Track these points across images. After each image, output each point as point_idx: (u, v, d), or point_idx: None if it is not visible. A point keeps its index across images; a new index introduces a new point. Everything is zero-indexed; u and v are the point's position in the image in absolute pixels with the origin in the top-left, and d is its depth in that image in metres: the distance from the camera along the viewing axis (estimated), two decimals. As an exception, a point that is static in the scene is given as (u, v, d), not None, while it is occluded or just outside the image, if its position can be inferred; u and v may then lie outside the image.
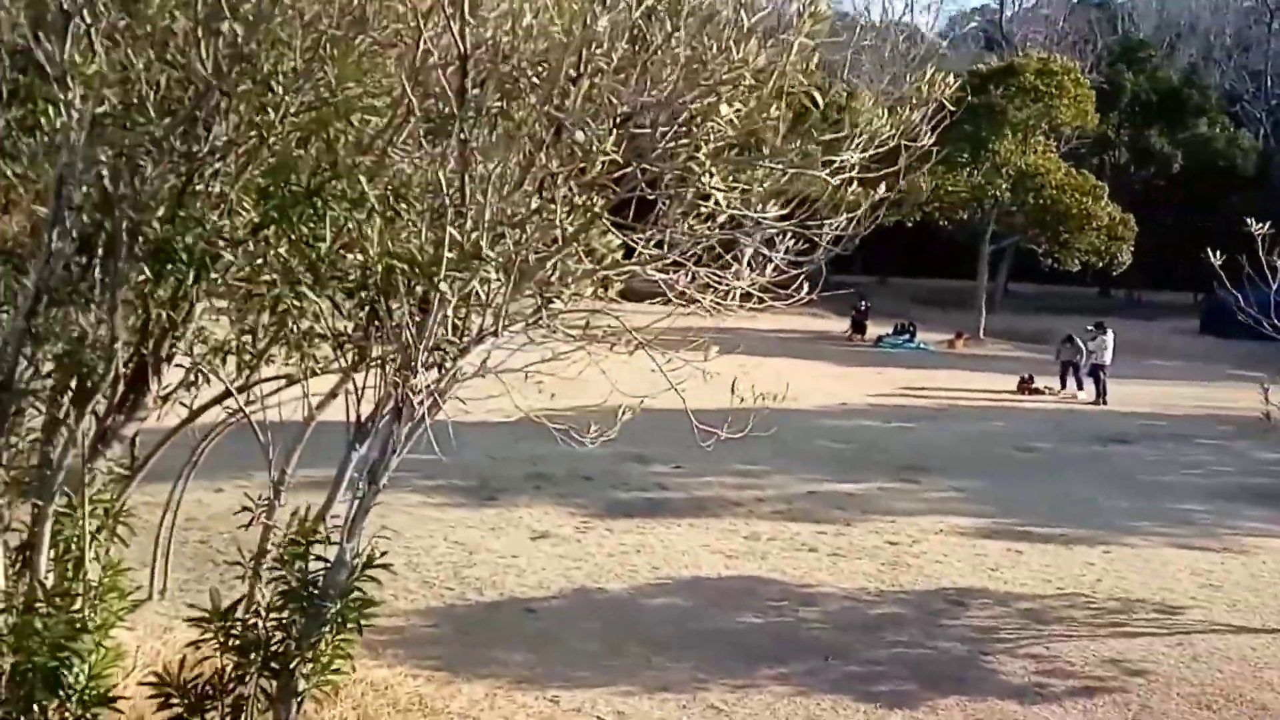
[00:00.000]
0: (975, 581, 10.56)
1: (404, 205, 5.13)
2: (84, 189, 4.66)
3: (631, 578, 10.09)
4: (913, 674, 8.26)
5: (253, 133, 5.18)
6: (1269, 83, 55.53)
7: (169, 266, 5.15)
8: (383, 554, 5.23)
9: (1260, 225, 6.36)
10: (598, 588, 9.80)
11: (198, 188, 5.18)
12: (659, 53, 4.70)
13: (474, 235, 4.78)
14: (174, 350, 5.78)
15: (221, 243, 5.20)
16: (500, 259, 4.78)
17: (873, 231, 5.72)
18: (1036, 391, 24.50)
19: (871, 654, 8.61)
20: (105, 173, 4.73)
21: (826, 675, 8.15)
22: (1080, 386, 24.50)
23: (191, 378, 5.95)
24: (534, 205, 5.05)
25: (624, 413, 5.48)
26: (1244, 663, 8.75)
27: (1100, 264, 37.24)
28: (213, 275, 5.25)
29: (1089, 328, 25.08)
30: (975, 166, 33.83)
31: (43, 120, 4.59)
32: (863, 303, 32.75)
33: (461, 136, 4.71)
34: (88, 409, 5.26)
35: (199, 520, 10.03)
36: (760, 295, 5.55)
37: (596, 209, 5.09)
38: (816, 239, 5.33)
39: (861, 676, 8.18)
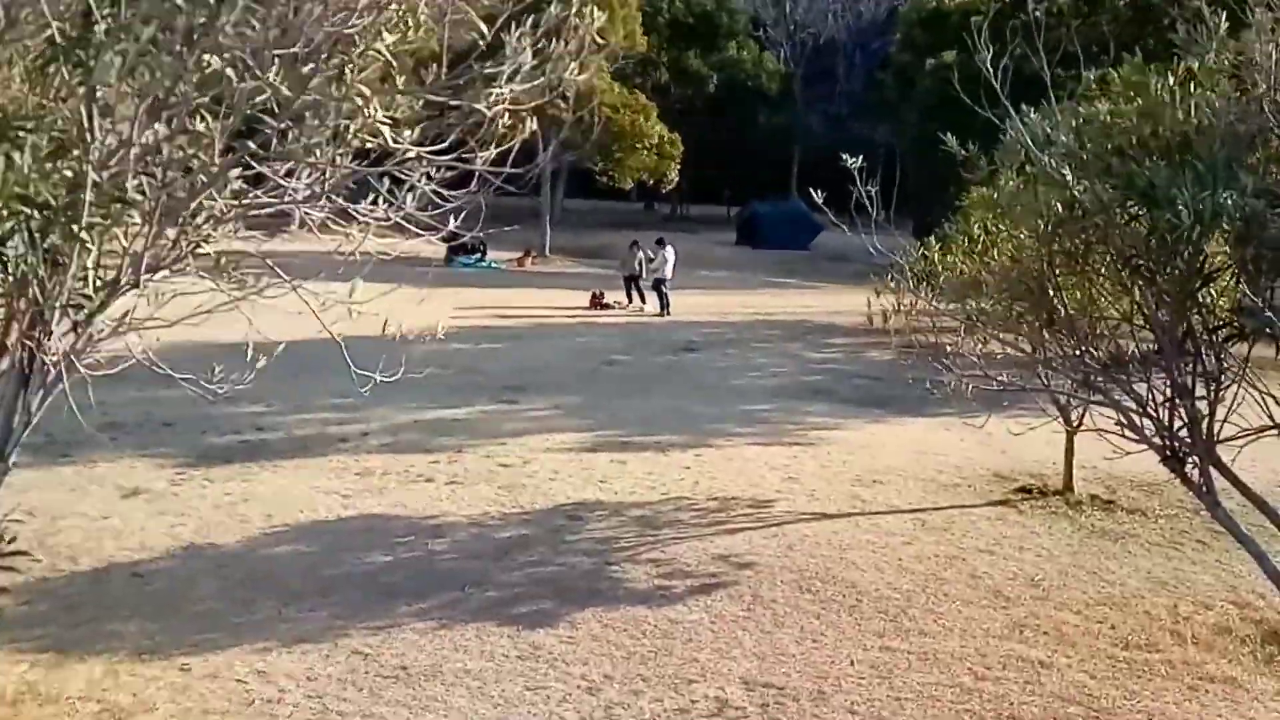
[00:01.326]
0: (588, 495, 10.99)
1: (12, 140, 4.41)
2: None
3: (244, 529, 9.54)
4: (547, 592, 8.49)
5: None
6: (788, 8, 60.72)
7: None
8: (12, 540, 4.59)
9: (855, 159, 7.01)
10: (209, 543, 9.17)
11: None
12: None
13: (109, 175, 4.22)
14: None
15: None
16: (144, 200, 4.26)
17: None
18: (607, 307, 25.66)
19: (506, 578, 8.74)
20: None
21: (466, 605, 8.18)
22: (644, 300, 25.94)
23: None
24: (166, 138, 4.56)
25: (255, 354, 5.15)
26: (831, 546, 9.78)
27: (651, 181, 39.38)
28: None
29: (654, 244, 26.52)
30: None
31: None
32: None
33: (87, 63, 4.11)
34: None
35: None
36: (406, 225, 5.38)
37: (236, 143, 4.68)
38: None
39: (500, 601, 8.29)
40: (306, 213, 4.85)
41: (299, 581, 8.42)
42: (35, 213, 4.22)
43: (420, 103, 4.92)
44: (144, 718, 6.32)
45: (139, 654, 7.10)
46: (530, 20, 5.15)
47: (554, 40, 5.23)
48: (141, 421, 12.49)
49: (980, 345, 9.59)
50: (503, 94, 5.04)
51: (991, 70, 6.37)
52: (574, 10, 5.29)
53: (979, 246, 9.20)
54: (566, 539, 9.69)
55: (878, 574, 9.18)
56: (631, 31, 37.71)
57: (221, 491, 10.46)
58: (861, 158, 7.67)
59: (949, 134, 7.44)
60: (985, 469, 12.69)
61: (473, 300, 25.07)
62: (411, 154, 5.01)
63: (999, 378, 8.99)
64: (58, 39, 4.09)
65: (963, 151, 7.38)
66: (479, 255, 33.01)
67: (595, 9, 5.44)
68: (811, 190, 8.19)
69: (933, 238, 11.23)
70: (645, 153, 37.26)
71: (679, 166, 38.66)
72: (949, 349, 10.20)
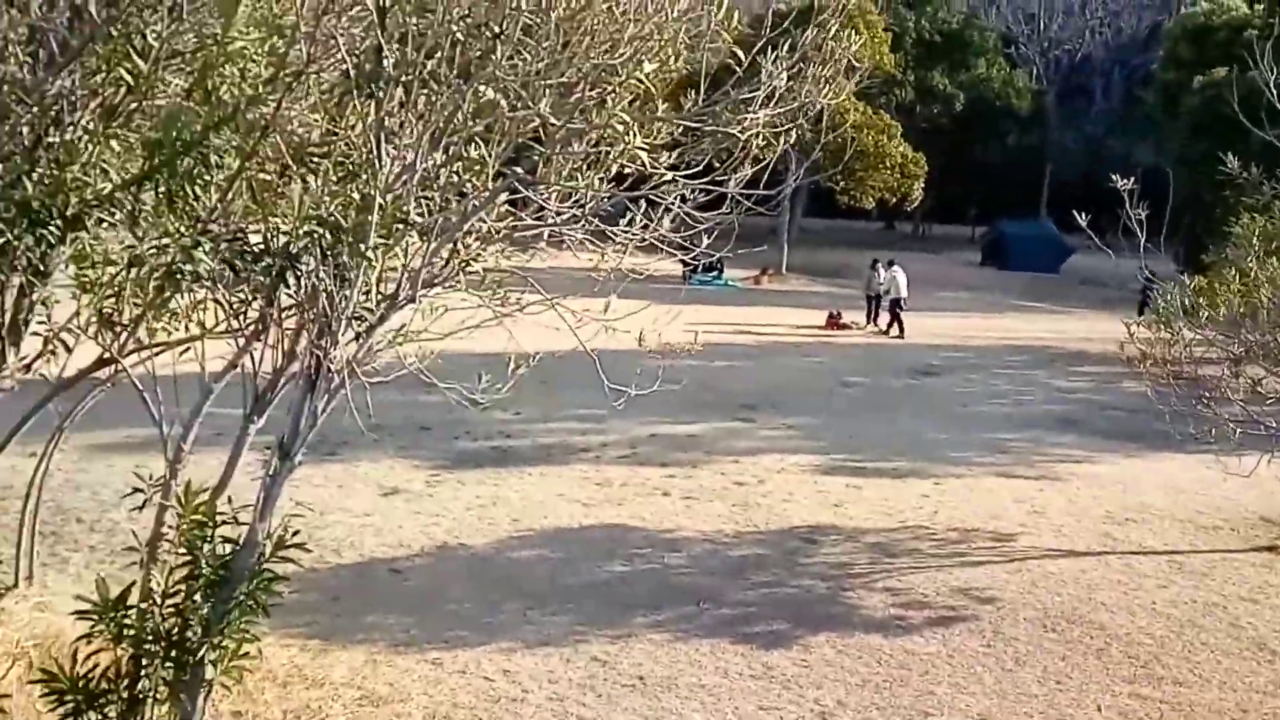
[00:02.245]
0: (823, 518, 10.92)
1: (306, 165, 4.82)
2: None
3: (493, 531, 9.98)
4: (781, 613, 8.50)
5: (118, 80, 4.79)
6: (1042, 25, 58.60)
7: (34, 228, 4.72)
8: (295, 533, 4.99)
9: (1125, 181, 6.72)
10: (460, 544, 9.65)
11: (55, 140, 4.75)
12: (583, 8, 4.56)
13: (392, 198, 4.54)
14: (30, 317, 5.33)
15: (91, 201, 4.79)
16: (423, 222, 4.57)
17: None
18: (844, 327, 25.41)
19: (740, 596, 8.81)
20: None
21: (700, 620, 8.29)
22: (879, 320, 25.55)
23: (52, 348, 5.49)
24: (442, 162, 4.87)
25: (516, 365, 5.41)
26: (1078, 585, 9.38)
27: (894, 200, 38.75)
28: (83, 236, 4.86)
29: (883, 265, 26.07)
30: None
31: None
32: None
33: (377, 95, 4.45)
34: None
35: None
36: (661, 246, 5.55)
37: (506, 169, 4.95)
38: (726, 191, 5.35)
39: (734, 619, 8.36)
40: (566, 233, 5.08)
41: (543, 586, 8.74)
42: (326, 232, 4.59)
43: (677, 128, 5.07)
44: (399, 706, 6.70)
45: (395, 646, 7.54)
46: (786, 44, 5.24)
47: (807, 64, 5.30)
48: (402, 425, 13.20)
49: (1249, 382, 9.00)
50: (756, 118, 5.14)
51: (1275, 90, 6.01)
52: (829, 34, 5.34)
53: (1252, 277, 8.65)
54: (801, 561, 9.67)
55: (1128, 617, 8.74)
56: (879, 51, 37.23)
57: (473, 494, 10.97)
58: (1125, 179, 7.38)
59: (1226, 154, 7.05)
60: (1250, 512, 11.87)
61: (709, 317, 25.27)
62: (667, 177, 5.17)
63: (1270, 421, 8.42)
64: (352, 74, 4.44)
65: (1244, 174, 6.98)
66: (716, 273, 33.28)
67: (850, 32, 5.48)
68: (1064, 211, 7.92)
69: (1199, 264, 10.62)
70: (888, 172, 36.72)
71: (923, 186, 37.90)
72: (1212, 383, 9.62)
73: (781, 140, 5.41)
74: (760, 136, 5.24)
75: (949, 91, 49.35)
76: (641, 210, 5.41)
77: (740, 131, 5.13)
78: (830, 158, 36.37)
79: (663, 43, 4.81)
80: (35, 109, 4.49)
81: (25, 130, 4.54)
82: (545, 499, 10.96)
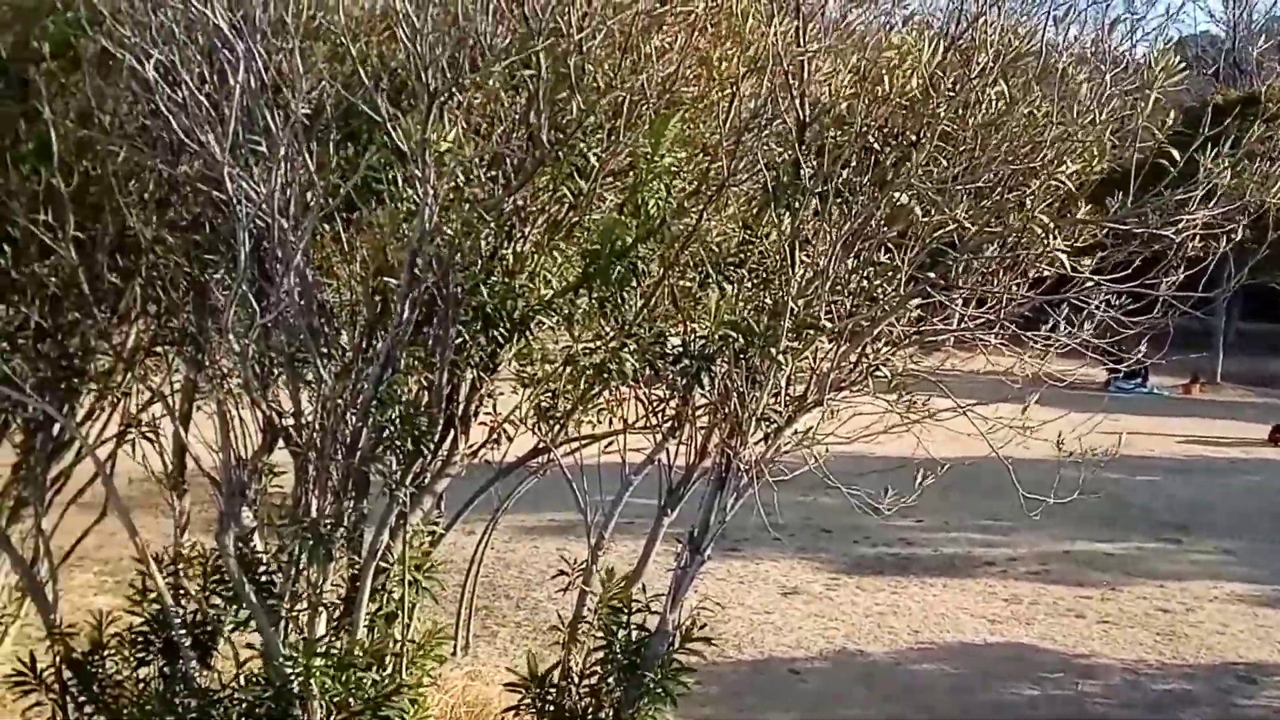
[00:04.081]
0: (1265, 656, 9.79)
1: (724, 272, 5.07)
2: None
3: (892, 640, 9.76)
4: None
5: (562, 197, 5.26)
6: None
7: (487, 329, 5.26)
8: (701, 626, 5.15)
9: None
10: (858, 650, 9.51)
11: (509, 252, 5.27)
12: (1003, 112, 4.52)
13: (803, 303, 4.67)
14: (479, 409, 5.89)
15: (535, 305, 5.27)
16: (832, 326, 4.66)
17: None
18: (1290, 443, 22.84)
19: (1164, 734, 8.06)
20: (443, 242, 4.83)
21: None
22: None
23: (496, 436, 6.04)
24: (853, 268, 4.95)
25: (919, 473, 5.30)
26: None
27: (1352, 303, 34.65)
28: (527, 336, 5.35)
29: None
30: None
31: (391, 191, 4.74)
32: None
33: (793, 206, 4.62)
34: (413, 468, 5.38)
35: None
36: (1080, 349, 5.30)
37: (918, 274, 4.95)
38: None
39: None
40: (980, 339, 4.98)
41: (945, 701, 8.43)
42: (740, 336, 4.78)
43: (1102, 229, 4.86)
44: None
45: (791, 748, 7.53)
46: (1227, 140, 4.91)
47: (1251, 160, 4.94)
48: (802, 525, 13.24)
49: None
50: (1194, 218, 4.83)
51: None
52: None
53: None
54: (1237, 703, 8.72)
55: None
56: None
57: (872, 601, 10.80)
58: None
59: None
60: None
61: (1132, 427, 23.61)
62: (1090, 281, 4.96)
63: None
64: (770, 186, 4.64)
65: None
66: (1140, 380, 31.07)
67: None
68: None
69: None
70: (1344, 272, 32.95)
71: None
72: None
73: (1221, 241, 5.06)
74: (1196, 238, 4.93)
75: None
76: (1062, 315, 5.22)
77: (1175, 233, 4.84)
78: (1273, 257, 33.30)
79: (1087, 143, 4.66)
80: (493, 224, 5.02)
81: (484, 243, 5.09)
82: (947, 611, 10.59)
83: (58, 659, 5.48)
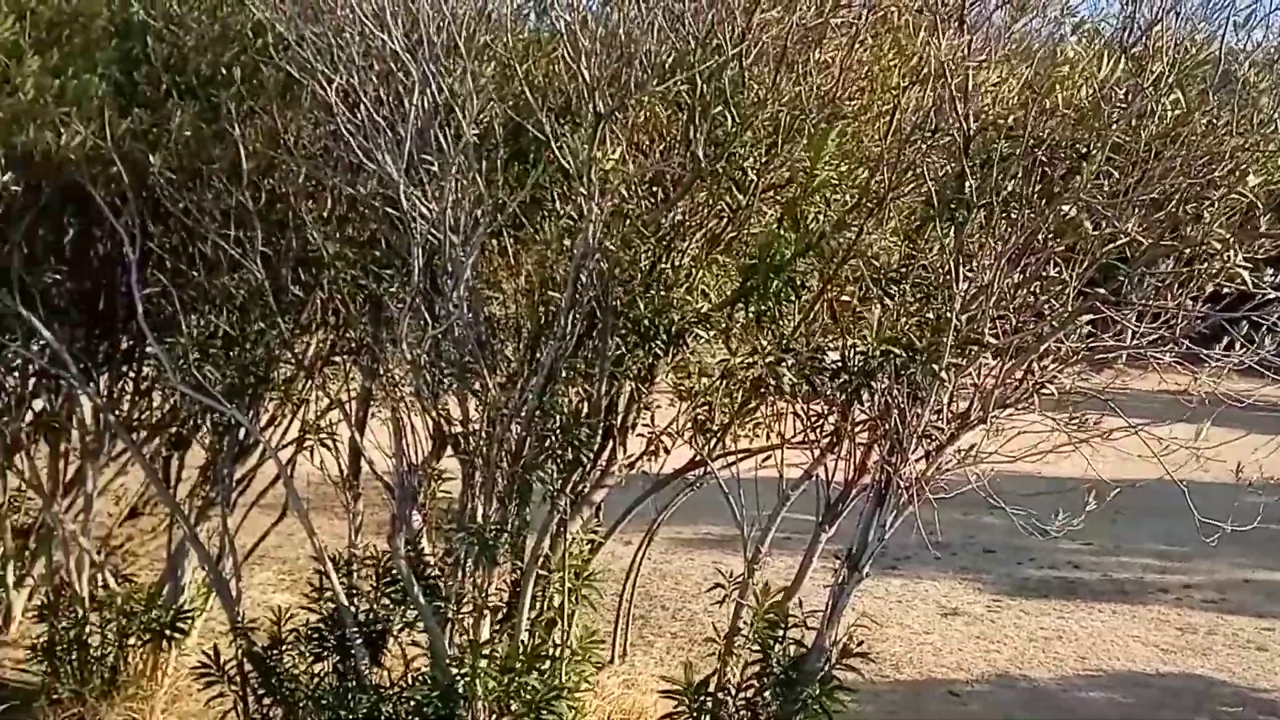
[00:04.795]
0: None
1: (885, 287, 5.04)
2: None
3: (1057, 666, 9.45)
4: None
5: (720, 212, 5.32)
6: None
7: (645, 341, 5.35)
8: (859, 643, 5.11)
9: None
10: (1022, 675, 9.24)
11: (667, 266, 5.35)
12: (1179, 122, 4.37)
13: (966, 319, 4.60)
14: (637, 421, 5.99)
15: (692, 317, 5.33)
16: (997, 342, 4.58)
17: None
18: None
19: (1356, 778, 7.60)
20: (604, 257, 4.94)
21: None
22: None
23: (653, 448, 6.12)
24: (1019, 283, 4.85)
25: (1089, 495, 5.14)
26: None
27: None
28: (684, 349, 5.42)
29: None
30: None
31: (556, 209, 4.88)
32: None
33: (957, 219, 4.56)
34: (572, 478, 5.50)
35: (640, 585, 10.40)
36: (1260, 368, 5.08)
37: (1087, 289, 4.82)
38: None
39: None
40: (1154, 356, 4.82)
41: (1112, 732, 8.14)
42: (901, 352, 4.75)
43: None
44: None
45: (950, 772, 7.37)
46: None
47: None
48: (964, 545, 12.94)
49: None
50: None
51: None
52: None
53: None
54: None
55: None
56: None
57: (1036, 624, 10.48)
58: None
59: None
60: None
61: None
62: (1272, 296, 4.75)
63: None
64: (933, 199, 4.60)
65: None
66: (1331, 401, 29.33)
67: None
68: None
69: None
70: None
71: None
72: None
73: None
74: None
75: None
76: (1242, 332, 5.02)
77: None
78: None
79: (1271, 154, 4.47)
80: (652, 239, 5.11)
81: (644, 257, 5.19)
82: (1117, 639, 10.19)
83: (240, 653, 5.79)
